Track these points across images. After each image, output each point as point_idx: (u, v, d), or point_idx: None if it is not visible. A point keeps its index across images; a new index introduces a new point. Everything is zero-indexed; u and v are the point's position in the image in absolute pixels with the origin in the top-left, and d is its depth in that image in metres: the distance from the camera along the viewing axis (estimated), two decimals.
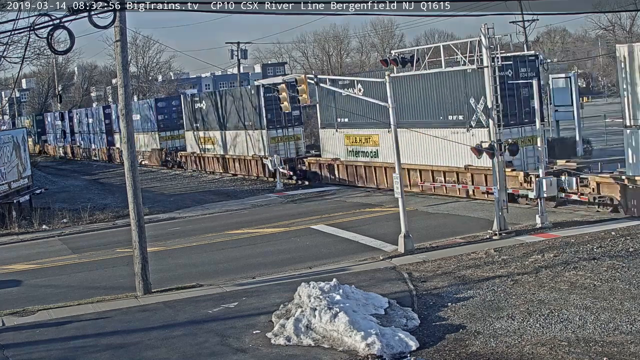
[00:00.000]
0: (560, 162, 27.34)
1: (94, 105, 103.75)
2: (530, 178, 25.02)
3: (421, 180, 30.10)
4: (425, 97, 29.68)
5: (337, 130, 36.42)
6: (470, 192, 28.09)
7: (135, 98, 74.53)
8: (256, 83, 43.66)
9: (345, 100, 33.61)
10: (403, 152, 24.86)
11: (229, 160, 45.54)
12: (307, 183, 38.03)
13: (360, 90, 32.36)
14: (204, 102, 48.86)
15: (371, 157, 33.82)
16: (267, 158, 38.76)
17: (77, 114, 74.96)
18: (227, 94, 46.40)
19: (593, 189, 23.72)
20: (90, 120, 69.65)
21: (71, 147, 76.82)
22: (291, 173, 38.31)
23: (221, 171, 46.19)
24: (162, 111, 54.59)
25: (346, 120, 35.45)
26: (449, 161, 28.68)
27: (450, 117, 28.58)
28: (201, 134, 49.02)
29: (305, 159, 39.45)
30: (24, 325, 16.65)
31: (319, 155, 38.62)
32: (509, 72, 26.15)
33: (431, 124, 29.00)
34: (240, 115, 43.70)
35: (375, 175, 33.52)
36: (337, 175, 36.41)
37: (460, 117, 28.03)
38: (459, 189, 28.49)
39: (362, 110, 31.79)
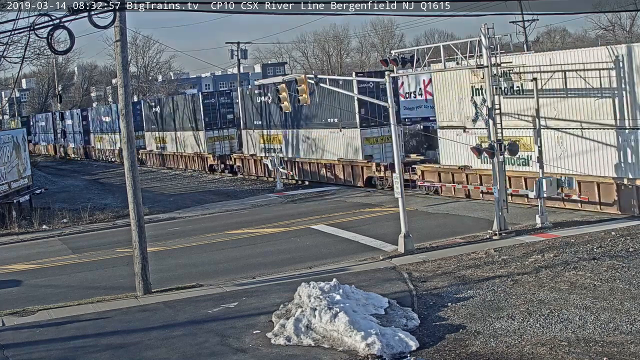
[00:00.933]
0: (413, 156, 33.34)
1: (94, 105, 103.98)
2: (380, 168, 32.57)
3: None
4: (316, 105, 35.58)
5: (254, 131, 42.95)
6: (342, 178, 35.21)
7: (135, 98, 74.64)
8: (256, 83, 44.00)
9: (259, 105, 41.23)
10: (306, 150, 36.86)
11: (184, 157, 51.84)
12: (306, 183, 38.05)
13: (269, 98, 40.25)
14: (158, 106, 55.69)
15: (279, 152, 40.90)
16: (267, 158, 38.89)
17: (58, 115, 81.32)
18: (176, 99, 53.69)
19: (419, 175, 30.48)
20: (69, 122, 77.27)
21: (53, 145, 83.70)
22: (223, 166, 46.00)
23: (182, 167, 52.39)
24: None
25: (259, 122, 42.33)
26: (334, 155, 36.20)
27: (329, 120, 36.07)
28: (158, 134, 55.69)
29: (232, 155, 46.19)
30: (24, 325, 16.65)
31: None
32: (371, 84, 33.14)
33: (318, 125, 37.05)
34: (187, 118, 50.46)
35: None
36: (254, 168, 43.12)
37: (335, 120, 35.59)
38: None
39: (271, 115, 39.60)
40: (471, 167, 27.99)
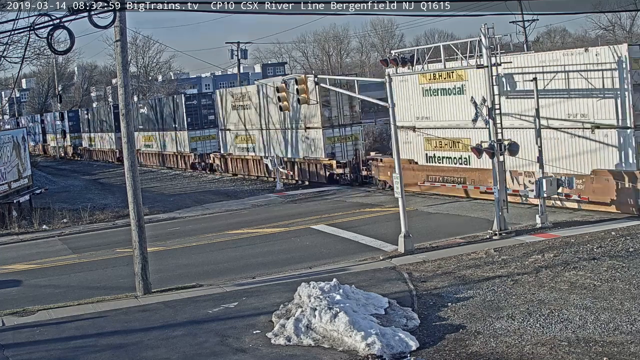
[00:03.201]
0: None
1: (95, 104, 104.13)
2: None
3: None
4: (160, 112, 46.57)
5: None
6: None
7: (135, 98, 74.67)
8: (256, 83, 43.94)
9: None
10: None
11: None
12: (306, 183, 38.06)
13: (144, 108, 50.53)
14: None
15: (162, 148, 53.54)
16: (267, 158, 38.95)
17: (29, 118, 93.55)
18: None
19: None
20: (32, 124, 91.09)
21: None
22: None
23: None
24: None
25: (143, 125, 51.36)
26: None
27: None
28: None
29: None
30: (24, 325, 16.65)
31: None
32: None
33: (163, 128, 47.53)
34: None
35: (170, 160, 53.73)
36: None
37: (175, 125, 47.91)
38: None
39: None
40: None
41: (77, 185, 49.10)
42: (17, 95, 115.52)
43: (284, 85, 28.58)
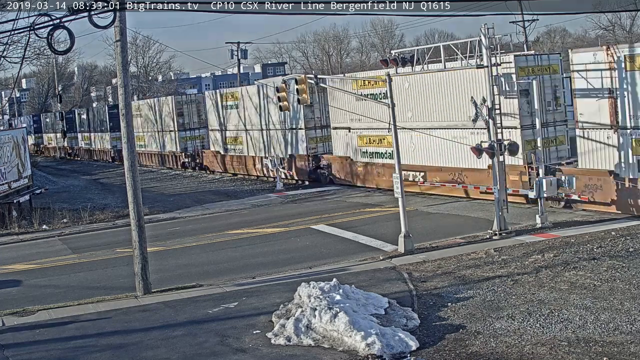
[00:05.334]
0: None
1: (94, 104, 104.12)
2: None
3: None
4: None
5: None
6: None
7: (135, 98, 74.74)
8: (256, 83, 43.95)
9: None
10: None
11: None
12: (307, 183, 38.07)
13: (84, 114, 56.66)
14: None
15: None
16: (267, 158, 38.99)
17: None
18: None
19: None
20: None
21: None
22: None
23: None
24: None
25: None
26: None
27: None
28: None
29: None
30: (24, 325, 16.65)
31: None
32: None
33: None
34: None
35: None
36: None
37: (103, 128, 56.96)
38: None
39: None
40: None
41: (77, 185, 49.09)
42: (17, 95, 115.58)
43: (284, 85, 28.53)
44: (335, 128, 35.91)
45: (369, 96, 31.31)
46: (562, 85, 26.95)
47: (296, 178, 38.93)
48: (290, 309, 15.28)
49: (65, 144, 79.15)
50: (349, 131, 34.64)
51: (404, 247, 20.66)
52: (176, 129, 52.53)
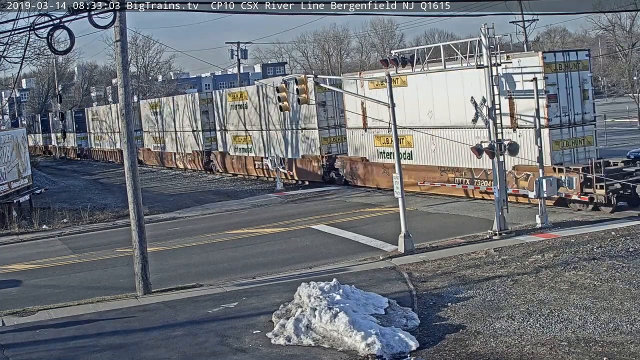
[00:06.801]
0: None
1: (95, 104, 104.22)
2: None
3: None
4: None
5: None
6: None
7: (135, 98, 74.76)
8: (256, 83, 43.93)
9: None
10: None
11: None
12: (307, 183, 38.06)
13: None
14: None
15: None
16: (267, 158, 39.00)
17: None
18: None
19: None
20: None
21: None
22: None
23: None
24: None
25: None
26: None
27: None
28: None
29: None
30: (24, 325, 16.64)
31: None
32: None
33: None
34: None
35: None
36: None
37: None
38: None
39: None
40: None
41: (77, 185, 49.08)
42: (17, 95, 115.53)
43: (283, 85, 28.55)
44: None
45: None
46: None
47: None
48: (290, 309, 15.28)
49: (42, 143, 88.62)
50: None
51: (404, 247, 20.66)
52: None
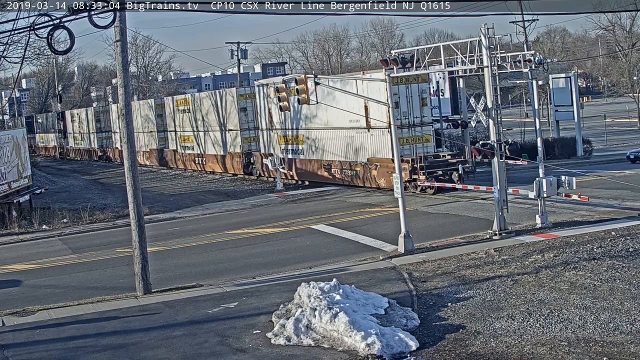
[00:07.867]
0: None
1: (94, 104, 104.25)
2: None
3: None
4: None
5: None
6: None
7: (135, 98, 74.77)
8: (256, 83, 43.89)
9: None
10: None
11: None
12: (307, 183, 38.06)
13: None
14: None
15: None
16: (267, 158, 38.99)
17: None
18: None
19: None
20: None
21: None
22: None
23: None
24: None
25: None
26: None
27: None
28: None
29: None
30: (24, 325, 16.65)
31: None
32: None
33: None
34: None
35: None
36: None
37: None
38: None
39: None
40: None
41: (77, 185, 49.07)
42: (17, 95, 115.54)
43: (284, 85, 28.48)
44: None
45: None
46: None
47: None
48: (290, 309, 15.28)
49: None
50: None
51: (404, 247, 20.66)
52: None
